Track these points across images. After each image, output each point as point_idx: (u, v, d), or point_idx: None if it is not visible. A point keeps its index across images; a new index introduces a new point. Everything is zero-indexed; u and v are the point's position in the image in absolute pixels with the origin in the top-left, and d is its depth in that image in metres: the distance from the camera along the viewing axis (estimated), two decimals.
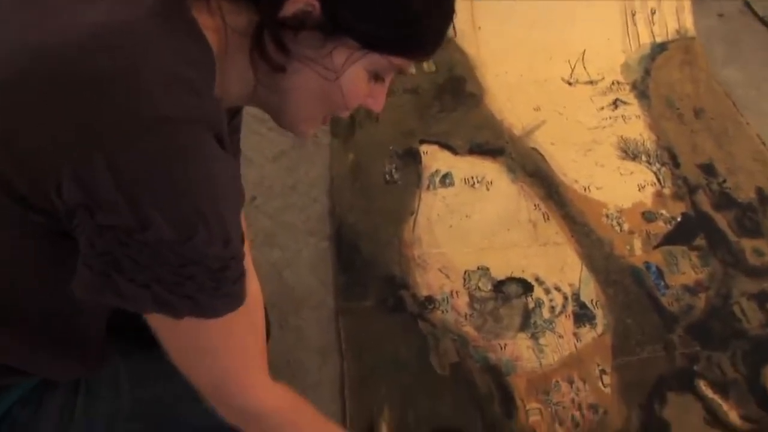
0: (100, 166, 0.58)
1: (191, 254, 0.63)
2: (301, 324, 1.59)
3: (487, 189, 1.81)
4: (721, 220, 1.77)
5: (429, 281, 1.63)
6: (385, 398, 1.44)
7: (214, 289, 0.68)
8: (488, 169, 1.86)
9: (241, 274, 0.71)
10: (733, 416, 1.43)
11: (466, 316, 1.56)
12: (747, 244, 1.73)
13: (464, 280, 1.62)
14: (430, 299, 1.59)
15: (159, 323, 0.72)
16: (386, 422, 1.42)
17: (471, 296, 1.60)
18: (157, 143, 0.60)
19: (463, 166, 1.87)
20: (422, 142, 1.93)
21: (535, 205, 1.78)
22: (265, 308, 1.10)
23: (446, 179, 1.83)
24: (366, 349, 1.52)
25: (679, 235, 1.74)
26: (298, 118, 0.81)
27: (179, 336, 0.73)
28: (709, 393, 1.46)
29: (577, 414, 1.43)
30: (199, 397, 0.80)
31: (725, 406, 1.44)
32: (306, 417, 0.92)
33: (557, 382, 1.47)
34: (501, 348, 1.52)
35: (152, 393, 0.96)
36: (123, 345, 0.94)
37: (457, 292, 1.60)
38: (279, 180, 1.87)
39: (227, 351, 0.77)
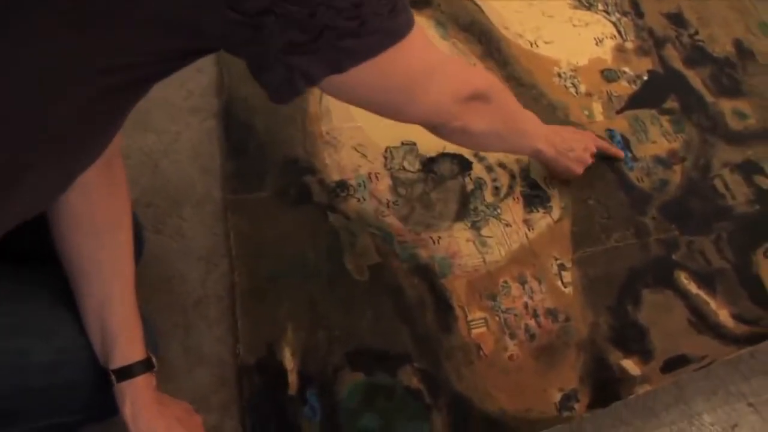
0: None
1: None
2: (182, 225, 1.26)
3: None
4: (695, 78, 1.46)
5: (341, 162, 1.29)
6: (288, 315, 1.12)
7: (390, 11, 0.67)
8: None
9: None
10: (724, 316, 1.14)
11: (388, 203, 1.22)
12: (726, 105, 1.42)
13: (385, 158, 1.28)
14: (342, 185, 1.25)
15: (365, 78, 0.71)
16: (289, 345, 1.10)
17: (394, 178, 1.25)
18: None
19: None
20: None
21: (471, 65, 1.41)
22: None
23: None
24: (262, 254, 1.18)
25: (647, 96, 1.42)
26: None
27: (389, 75, 0.74)
28: (692, 288, 1.17)
29: (531, 323, 1.12)
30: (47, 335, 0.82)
31: (713, 304, 1.16)
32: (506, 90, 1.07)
33: (506, 282, 1.16)
34: (434, 242, 1.19)
35: None
36: None
37: (376, 175, 1.26)
38: None
39: (430, 63, 0.80)
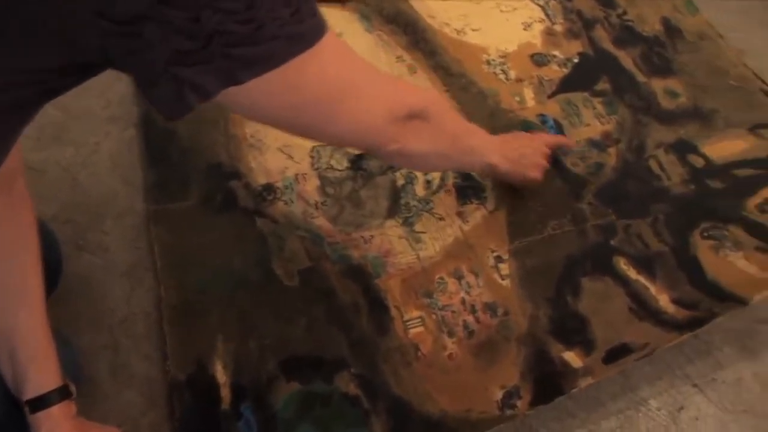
0: None
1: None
2: (104, 240, 1.21)
3: None
4: (626, 59, 1.44)
5: (267, 165, 1.24)
6: (218, 327, 1.07)
7: (293, 15, 0.59)
8: (336, 18, 1.44)
9: None
10: (664, 301, 1.12)
11: (317, 204, 1.18)
12: (658, 84, 1.40)
13: (312, 158, 1.23)
14: (269, 188, 1.21)
15: (270, 92, 0.65)
16: (220, 358, 1.05)
17: (322, 178, 1.21)
18: None
19: None
20: None
21: (397, 57, 1.39)
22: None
23: None
24: (189, 265, 1.13)
25: (578, 79, 1.39)
26: None
27: (298, 89, 0.67)
28: (632, 274, 1.15)
29: (470, 319, 1.09)
30: None
31: (653, 289, 1.13)
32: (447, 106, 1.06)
33: (441, 279, 1.12)
34: (365, 242, 1.15)
35: None
36: None
37: (303, 176, 1.22)
38: None
39: (351, 78, 0.74)
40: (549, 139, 1.22)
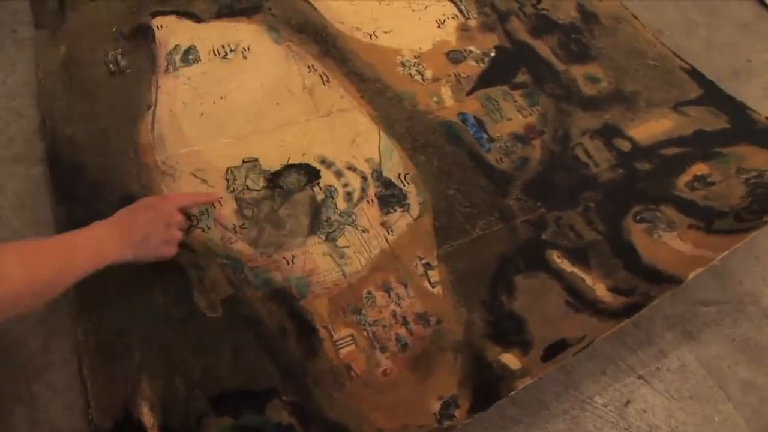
0: None
1: None
2: None
3: (244, 57, 1.36)
4: (543, 48, 1.42)
5: (181, 192, 1.17)
6: (141, 367, 1.01)
7: None
8: (243, 32, 1.40)
9: None
10: (601, 290, 1.09)
11: (235, 228, 1.13)
12: (578, 71, 1.38)
13: (227, 180, 1.18)
14: (185, 216, 1.12)
15: None
16: (146, 400, 0.99)
17: (239, 200, 1.16)
18: None
19: (210, 34, 1.40)
20: (155, 14, 1.43)
21: (309, 67, 1.34)
22: None
23: (189, 55, 1.36)
24: (106, 305, 1.07)
25: (496, 73, 1.37)
26: None
27: None
28: (566, 266, 1.12)
29: (402, 332, 1.04)
30: None
31: (589, 280, 1.10)
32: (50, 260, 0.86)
33: (369, 293, 1.08)
34: (288, 263, 1.10)
35: None
36: None
37: (219, 200, 1.15)
38: None
39: None
40: (180, 199, 1.08)
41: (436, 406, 0.98)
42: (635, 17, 1.48)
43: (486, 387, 0.99)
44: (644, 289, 1.07)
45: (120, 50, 1.36)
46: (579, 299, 1.08)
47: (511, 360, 1.02)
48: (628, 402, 1.06)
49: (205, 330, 1.04)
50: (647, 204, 1.19)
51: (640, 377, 1.08)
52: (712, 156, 1.25)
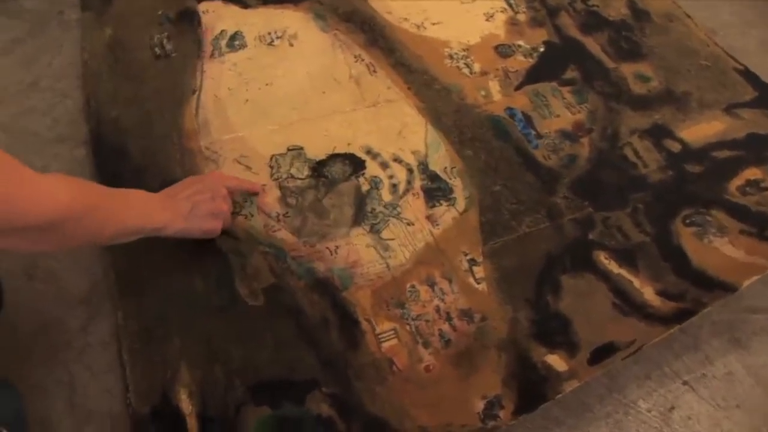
0: None
1: None
2: (56, 268, 1.13)
3: (291, 44, 1.34)
4: (593, 45, 1.39)
5: None
6: (181, 354, 1.00)
7: None
8: (290, 19, 1.39)
9: None
10: (649, 294, 1.07)
11: (278, 217, 1.11)
12: (628, 69, 1.36)
13: (271, 168, 1.17)
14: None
15: None
16: (185, 387, 0.98)
17: (283, 188, 1.14)
18: None
19: (257, 20, 1.39)
20: None
21: (356, 57, 1.33)
22: None
23: (235, 41, 1.35)
24: (147, 290, 1.06)
25: (545, 69, 1.34)
26: None
27: None
28: (613, 268, 1.09)
29: (445, 327, 1.03)
30: None
31: (636, 282, 1.08)
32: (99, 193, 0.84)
33: (413, 287, 1.06)
34: (331, 253, 1.08)
35: None
36: None
37: (263, 187, 1.15)
38: (13, 78, 1.36)
39: None
40: (226, 178, 1.10)
41: (480, 405, 0.96)
42: (688, 16, 1.45)
43: (531, 388, 0.98)
44: (695, 295, 1.05)
45: (166, 34, 1.35)
46: (626, 302, 1.05)
47: (556, 361, 1.00)
48: (672, 408, 1.03)
49: (246, 318, 1.03)
50: (697, 207, 1.16)
51: (685, 383, 1.06)
52: (765, 160, 1.22)
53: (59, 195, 0.74)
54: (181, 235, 1.00)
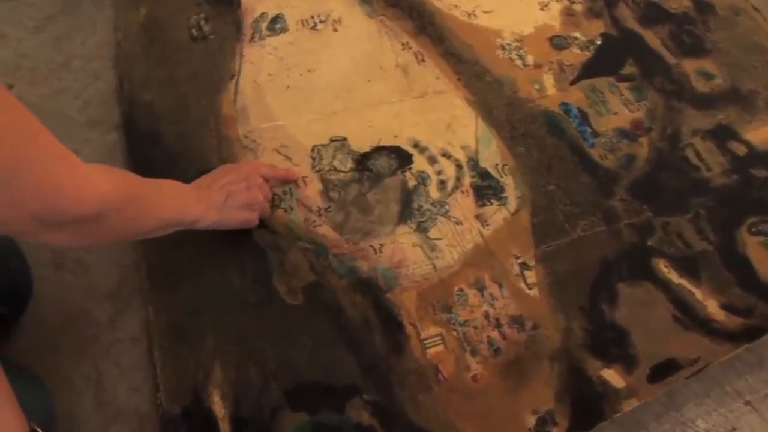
0: None
1: None
2: (85, 258, 1.09)
3: (335, 30, 1.28)
4: (653, 38, 1.31)
5: None
6: (214, 352, 0.96)
7: None
8: (334, 2, 1.33)
9: None
10: (713, 307, 1.00)
11: (320, 211, 1.06)
12: (690, 66, 1.28)
13: (313, 159, 1.11)
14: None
15: None
16: (218, 388, 0.94)
17: (325, 181, 1.09)
18: None
19: (299, 3, 1.33)
20: None
21: (403, 45, 1.26)
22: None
23: (276, 24, 1.29)
24: (180, 284, 1.01)
25: (602, 63, 1.27)
26: None
27: None
28: (673, 277, 1.03)
29: (495, 335, 0.97)
30: None
31: (699, 294, 1.01)
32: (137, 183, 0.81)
33: (461, 290, 1.00)
34: (375, 252, 1.03)
35: None
36: None
37: (304, 179, 1.10)
38: (45, 57, 1.32)
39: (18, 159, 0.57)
40: (262, 167, 1.04)
41: (531, 420, 0.91)
42: (756, 9, 1.36)
43: (586, 404, 0.92)
44: (764, 311, 0.98)
45: (203, 15, 1.30)
46: (688, 315, 0.99)
47: (613, 377, 0.94)
48: (733, 429, 0.97)
49: (284, 317, 0.98)
50: (764, 215, 1.09)
51: (747, 403, 0.99)
52: None
53: (102, 184, 0.70)
54: (215, 227, 0.95)
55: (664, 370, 0.94)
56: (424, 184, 1.09)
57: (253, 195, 0.99)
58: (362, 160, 1.11)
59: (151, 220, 0.82)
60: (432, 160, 1.12)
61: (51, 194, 0.64)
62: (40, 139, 0.62)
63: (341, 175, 1.10)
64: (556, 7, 1.34)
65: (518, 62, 1.25)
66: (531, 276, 1.02)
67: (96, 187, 0.69)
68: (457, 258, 1.03)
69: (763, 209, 1.10)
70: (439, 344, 0.96)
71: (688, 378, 0.94)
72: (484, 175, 1.11)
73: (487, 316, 0.99)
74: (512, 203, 1.08)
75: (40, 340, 0.99)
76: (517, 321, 0.98)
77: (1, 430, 0.72)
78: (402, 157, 1.12)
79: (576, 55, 1.27)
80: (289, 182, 1.08)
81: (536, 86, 1.22)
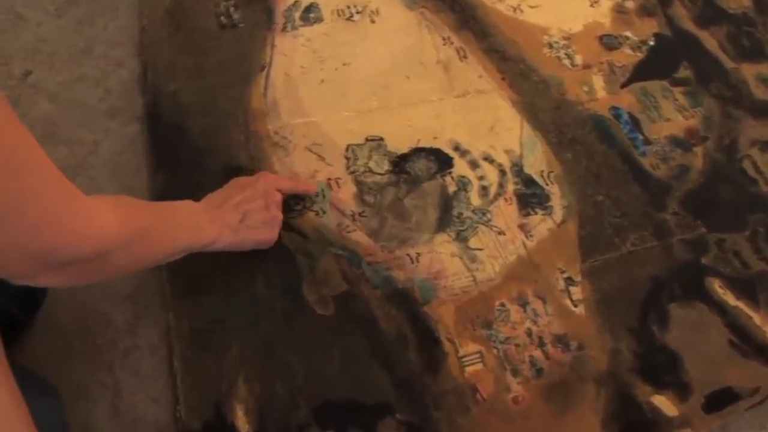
0: None
1: None
2: None
3: (372, 21, 1.22)
4: (709, 40, 1.25)
5: (294, 168, 1.06)
6: (239, 365, 0.90)
7: None
8: None
9: None
10: None
11: (354, 216, 1.00)
12: (749, 71, 1.21)
13: (347, 159, 1.06)
14: (296, 196, 1.02)
15: None
16: (242, 402, 0.88)
17: (359, 184, 1.03)
18: None
19: None
20: None
21: (444, 39, 1.20)
22: None
23: (310, 13, 1.22)
24: (203, 289, 0.96)
25: (655, 65, 1.21)
26: None
27: None
28: (729, 299, 0.96)
29: (538, 354, 0.91)
30: None
31: (757, 318, 0.95)
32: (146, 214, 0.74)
33: (503, 305, 0.94)
34: (412, 261, 0.97)
35: None
36: None
37: (337, 180, 1.04)
38: (65, 42, 1.25)
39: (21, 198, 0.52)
40: (279, 180, 0.97)
41: None
42: None
43: None
44: None
45: (233, 2, 1.24)
46: (746, 341, 0.93)
47: (665, 404, 0.88)
48: None
49: (313, 329, 0.93)
50: None
51: None
52: None
53: (107, 220, 0.64)
54: (231, 248, 0.90)
55: (721, 400, 0.89)
56: (465, 190, 1.03)
57: (272, 214, 0.93)
58: (399, 162, 1.05)
59: (162, 251, 0.77)
60: (473, 165, 1.05)
61: (50, 233, 0.58)
62: (40, 168, 0.56)
63: (377, 177, 1.04)
64: (606, 4, 1.27)
65: (566, 62, 1.19)
66: (577, 292, 0.96)
67: (101, 223, 0.64)
68: (498, 270, 0.97)
69: None
70: (477, 362, 0.91)
71: (747, 410, 0.87)
72: (528, 182, 1.04)
73: (529, 333, 0.93)
74: (558, 213, 1.02)
75: (53, 344, 0.95)
76: (561, 340, 0.92)
77: None
78: (442, 160, 1.06)
79: (627, 56, 1.21)
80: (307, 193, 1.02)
81: (585, 88, 1.15)
